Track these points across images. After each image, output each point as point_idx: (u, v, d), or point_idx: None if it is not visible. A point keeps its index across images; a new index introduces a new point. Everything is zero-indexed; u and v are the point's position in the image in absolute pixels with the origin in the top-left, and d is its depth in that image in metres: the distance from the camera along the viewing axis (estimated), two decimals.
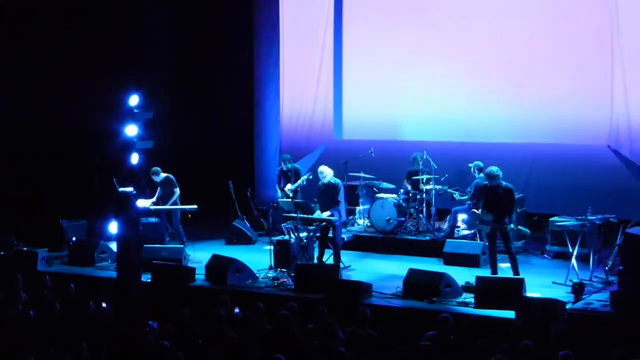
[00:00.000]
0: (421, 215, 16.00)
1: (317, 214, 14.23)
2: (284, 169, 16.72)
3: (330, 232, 14.11)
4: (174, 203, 15.78)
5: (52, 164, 17.50)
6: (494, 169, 13.15)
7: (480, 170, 15.09)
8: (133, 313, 8.62)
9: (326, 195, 14.17)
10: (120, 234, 9.48)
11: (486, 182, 13.21)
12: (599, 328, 10.46)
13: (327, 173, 14.22)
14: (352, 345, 9.49)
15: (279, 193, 16.81)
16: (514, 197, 13.17)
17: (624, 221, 13.45)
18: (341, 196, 14.21)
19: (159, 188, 15.97)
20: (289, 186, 16.33)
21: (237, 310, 11.35)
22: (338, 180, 14.35)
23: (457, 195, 15.61)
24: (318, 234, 14.21)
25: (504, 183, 13.14)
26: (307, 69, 19.19)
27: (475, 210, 13.36)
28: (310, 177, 15.43)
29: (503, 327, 10.56)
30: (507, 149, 16.90)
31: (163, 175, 15.94)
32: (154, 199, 15.91)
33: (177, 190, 15.82)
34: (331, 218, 13.96)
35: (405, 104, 18.12)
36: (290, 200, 15.32)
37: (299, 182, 15.97)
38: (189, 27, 18.69)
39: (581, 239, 13.29)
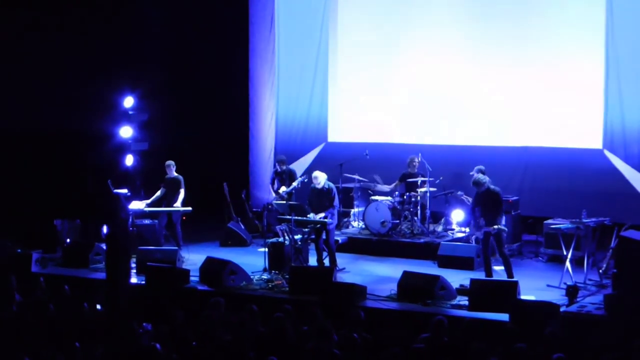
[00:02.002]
0: (416, 218, 16.00)
1: (311, 216, 14.21)
2: (279, 170, 16.71)
3: (324, 234, 14.11)
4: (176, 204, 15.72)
5: (46, 165, 17.48)
6: (480, 175, 13.22)
7: (483, 174, 14.98)
8: (122, 314, 8.61)
9: (320, 199, 14.18)
10: (108, 236, 9.49)
11: (476, 190, 13.20)
12: (593, 331, 10.49)
13: (321, 179, 14.23)
14: (346, 348, 9.49)
15: (273, 195, 16.80)
16: (501, 198, 13.17)
17: (618, 224, 13.48)
18: (336, 201, 14.24)
19: (161, 188, 15.85)
20: (283, 188, 16.32)
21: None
22: (332, 185, 14.36)
23: (467, 201, 15.57)
24: (312, 236, 14.23)
25: (491, 187, 13.18)
26: (303, 70, 19.19)
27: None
28: (305, 180, 15.44)
29: (497, 329, 10.56)
30: (502, 152, 16.93)
31: (175, 173, 15.84)
32: (149, 201, 15.81)
33: (182, 192, 15.74)
34: (325, 220, 13.97)
35: (401, 106, 18.14)
36: (284, 202, 15.32)
37: (294, 185, 15.98)
38: (184, 27, 18.69)
39: (575, 242, 13.30)
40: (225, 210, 17.37)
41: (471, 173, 15.11)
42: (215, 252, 15.07)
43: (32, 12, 17.39)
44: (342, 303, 11.78)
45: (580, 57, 16.45)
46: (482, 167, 15.01)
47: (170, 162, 15.86)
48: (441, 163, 16.56)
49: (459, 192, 15.31)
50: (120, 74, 17.18)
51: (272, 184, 16.91)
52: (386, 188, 16.40)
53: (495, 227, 12.79)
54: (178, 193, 15.69)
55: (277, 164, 16.85)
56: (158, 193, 15.85)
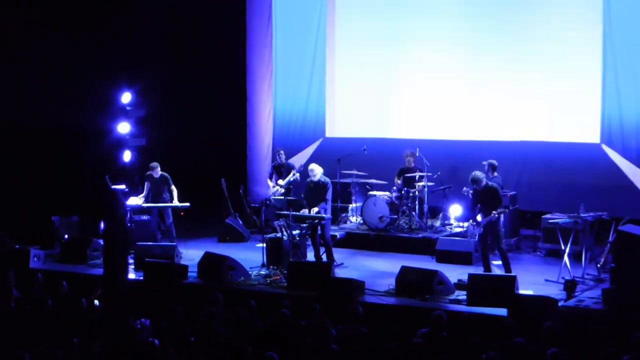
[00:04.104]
0: (414, 213, 16.01)
1: (304, 211, 14.18)
2: (277, 162, 16.69)
3: (319, 229, 14.08)
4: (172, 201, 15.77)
5: (44, 161, 17.46)
6: (477, 173, 13.16)
7: (494, 169, 14.96)
8: (120, 310, 8.60)
9: (315, 193, 14.14)
10: (106, 231, 9.48)
11: (475, 187, 13.16)
12: (591, 325, 10.49)
13: (317, 171, 14.19)
14: (345, 343, 9.49)
15: (272, 189, 16.79)
16: (500, 194, 13.14)
17: (616, 218, 13.49)
18: (329, 195, 14.17)
19: (150, 185, 15.85)
20: (280, 182, 16.33)
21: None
22: (327, 179, 14.32)
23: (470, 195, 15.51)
24: (310, 232, 14.21)
25: (489, 183, 13.17)
26: (300, 65, 19.18)
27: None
28: (302, 169, 15.44)
29: (495, 324, 10.56)
30: (500, 147, 16.92)
31: (160, 172, 15.87)
32: (143, 195, 15.83)
33: (174, 188, 15.78)
34: (323, 215, 13.94)
35: (398, 101, 18.15)
36: (282, 197, 15.32)
37: (290, 177, 15.96)
38: (181, 23, 18.66)
39: (573, 237, 13.32)
40: (223, 206, 17.36)
41: (483, 163, 15.07)
42: (213, 248, 15.05)
43: (29, 9, 17.34)
44: (340, 298, 11.79)
45: (578, 51, 16.45)
46: (494, 161, 14.98)
47: (154, 164, 15.84)
48: (439, 158, 16.57)
49: (464, 189, 15.17)
50: (117, 69, 17.15)
51: (270, 177, 16.91)
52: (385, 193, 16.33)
53: (494, 212, 12.71)
54: (170, 191, 15.73)
55: (277, 156, 16.78)
56: (145, 192, 15.86)
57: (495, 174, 14.91)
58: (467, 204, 15.17)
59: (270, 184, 16.93)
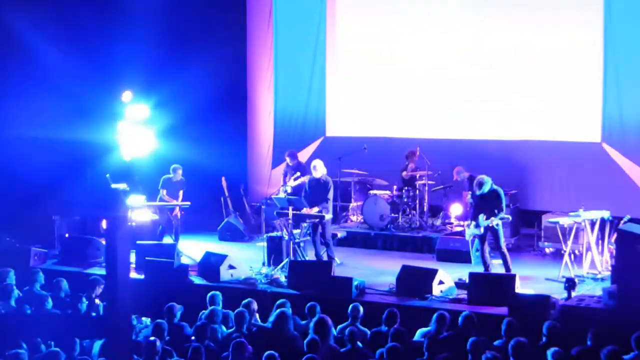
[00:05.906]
0: (414, 212, 16.00)
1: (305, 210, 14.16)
2: (290, 164, 16.67)
3: (320, 228, 14.06)
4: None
5: (47, 161, 17.41)
6: (483, 177, 13.08)
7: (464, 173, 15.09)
8: (121, 309, 8.59)
9: (315, 191, 14.11)
10: (108, 231, 9.44)
11: (479, 190, 13.08)
12: (592, 324, 10.50)
13: (319, 168, 14.16)
14: (345, 342, 9.49)
15: (287, 188, 16.75)
16: (503, 197, 13.08)
17: (616, 218, 13.48)
18: (330, 194, 14.14)
19: (167, 188, 15.91)
20: (292, 182, 16.33)
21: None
22: (329, 178, 14.28)
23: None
24: (310, 231, 14.19)
25: (494, 186, 13.11)
26: (300, 65, 19.16)
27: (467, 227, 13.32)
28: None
29: (495, 323, 10.56)
30: (501, 146, 16.93)
31: (180, 176, 15.99)
32: (176, 201, 15.90)
33: (182, 192, 15.98)
34: (323, 214, 13.92)
35: (399, 100, 18.13)
36: (282, 197, 15.30)
37: (299, 182, 15.94)
38: (182, 23, 18.65)
39: (574, 236, 13.30)
40: (223, 205, 17.35)
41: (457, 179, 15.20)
42: (213, 247, 15.07)
43: (38, 21, 17.29)
44: (341, 297, 11.78)
45: (578, 50, 16.44)
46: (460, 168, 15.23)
47: (178, 166, 15.92)
48: (440, 157, 16.56)
49: (469, 198, 14.98)
50: (117, 69, 17.12)
51: (285, 177, 16.88)
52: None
53: (493, 218, 12.69)
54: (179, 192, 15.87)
55: (287, 158, 16.72)
56: (176, 190, 15.93)
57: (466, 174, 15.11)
58: (465, 202, 15.25)
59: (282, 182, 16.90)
